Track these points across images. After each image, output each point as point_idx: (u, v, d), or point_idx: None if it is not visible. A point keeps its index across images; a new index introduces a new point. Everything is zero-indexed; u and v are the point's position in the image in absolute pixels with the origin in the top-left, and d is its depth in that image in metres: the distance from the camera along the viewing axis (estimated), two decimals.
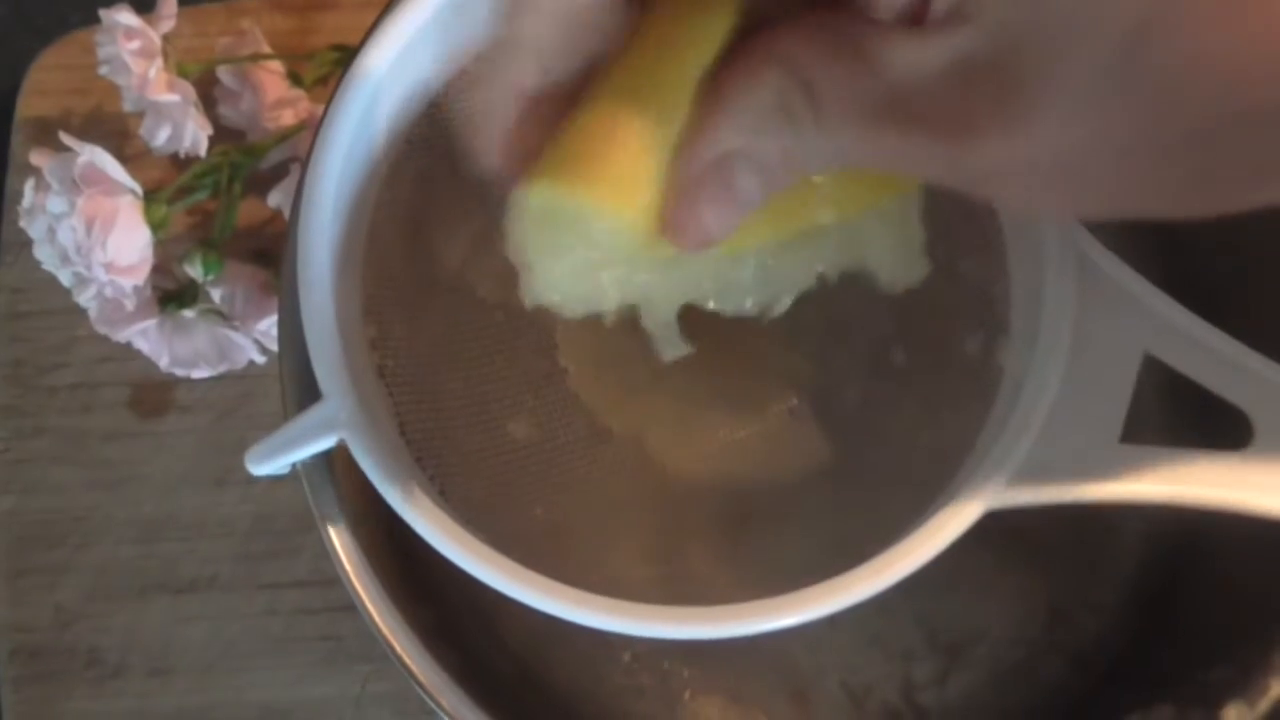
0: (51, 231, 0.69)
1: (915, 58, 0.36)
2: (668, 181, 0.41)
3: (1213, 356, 0.48)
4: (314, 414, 0.50)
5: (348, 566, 0.57)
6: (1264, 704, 0.58)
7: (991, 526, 0.48)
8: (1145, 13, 0.32)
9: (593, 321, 0.59)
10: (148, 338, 0.72)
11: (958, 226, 0.55)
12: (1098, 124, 0.34)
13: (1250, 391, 0.48)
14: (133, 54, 0.70)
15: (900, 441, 0.58)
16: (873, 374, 0.59)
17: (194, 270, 0.71)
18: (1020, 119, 0.34)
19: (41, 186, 0.68)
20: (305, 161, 0.53)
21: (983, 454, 0.49)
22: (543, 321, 0.59)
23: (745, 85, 0.39)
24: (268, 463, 0.50)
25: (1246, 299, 0.64)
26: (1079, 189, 0.36)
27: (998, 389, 0.51)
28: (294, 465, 0.52)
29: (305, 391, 0.54)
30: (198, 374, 0.74)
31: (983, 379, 0.52)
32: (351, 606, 0.58)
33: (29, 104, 0.80)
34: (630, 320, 0.59)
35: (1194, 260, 0.65)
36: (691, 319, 0.60)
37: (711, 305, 0.49)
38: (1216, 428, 0.49)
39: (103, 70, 0.72)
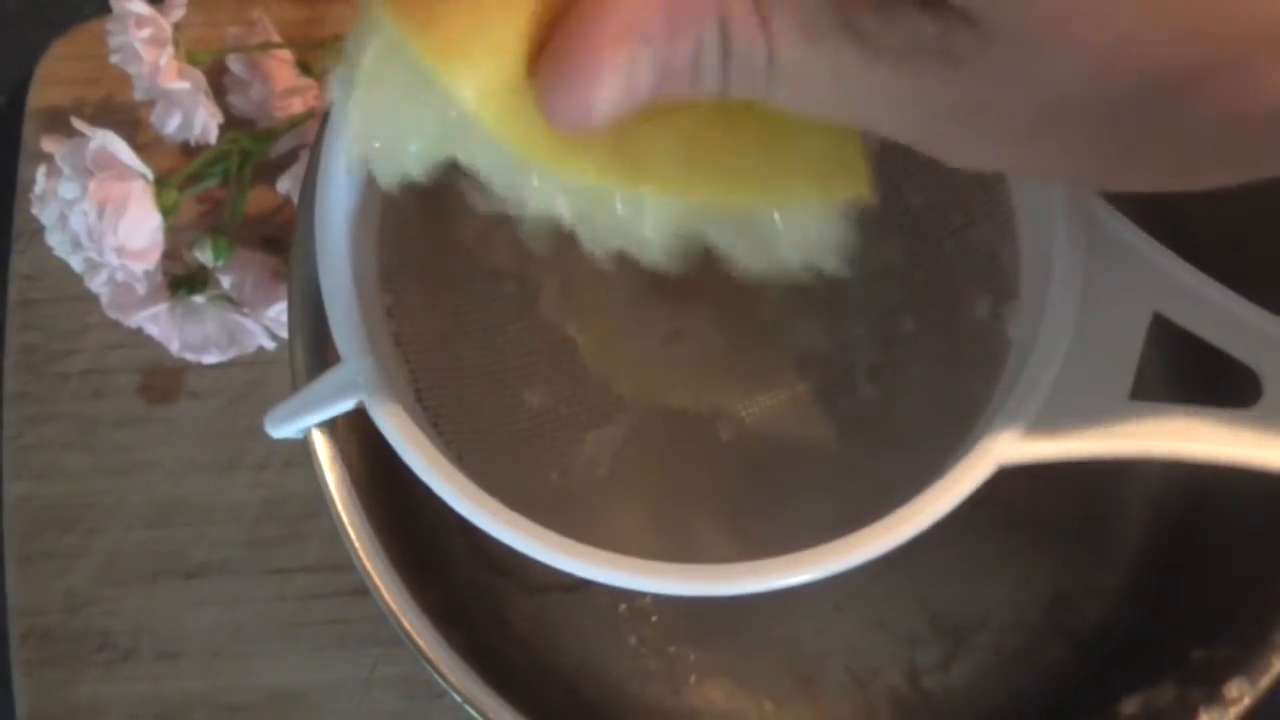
0: (63, 217, 0.69)
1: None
2: (556, 40, 0.36)
3: (1221, 314, 0.49)
4: (333, 377, 0.50)
5: (358, 547, 0.57)
6: (1266, 680, 0.58)
7: (995, 510, 0.48)
8: None
9: (604, 289, 0.59)
10: (158, 322, 0.72)
11: (965, 192, 0.55)
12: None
13: (1259, 348, 0.48)
14: (144, 42, 0.71)
15: (912, 406, 0.58)
16: (885, 341, 0.59)
17: (204, 256, 0.71)
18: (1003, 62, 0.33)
19: (54, 172, 0.69)
20: (321, 128, 0.53)
21: (994, 414, 0.50)
22: (555, 290, 0.59)
23: None
24: (287, 425, 0.51)
25: (1249, 256, 0.64)
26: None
27: (1008, 350, 0.51)
28: (310, 430, 0.52)
29: (316, 370, 0.55)
30: (208, 359, 0.74)
31: (993, 341, 0.53)
32: (360, 591, 0.58)
33: (41, 94, 0.81)
34: (640, 290, 0.60)
35: (1200, 219, 0.65)
36: (701, 287, 0.61)
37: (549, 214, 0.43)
38: (1225, 386, 0.49)
39: (114, 58, 0.72)
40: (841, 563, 0.47)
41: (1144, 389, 0.49)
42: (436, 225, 0.57)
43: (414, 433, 0.49)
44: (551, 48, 0.36)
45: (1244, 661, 0.59)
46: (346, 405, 0.50)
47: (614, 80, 0.35)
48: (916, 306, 0.58)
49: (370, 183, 0.53)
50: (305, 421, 0.51)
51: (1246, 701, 0.58)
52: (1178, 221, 0.59)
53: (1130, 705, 0.63)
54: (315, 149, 0.53)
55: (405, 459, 0.48)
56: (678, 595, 0.48)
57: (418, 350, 0.54)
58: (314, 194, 0.51)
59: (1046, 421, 0.48)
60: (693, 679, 0.69)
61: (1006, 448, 0.47)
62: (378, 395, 0.49)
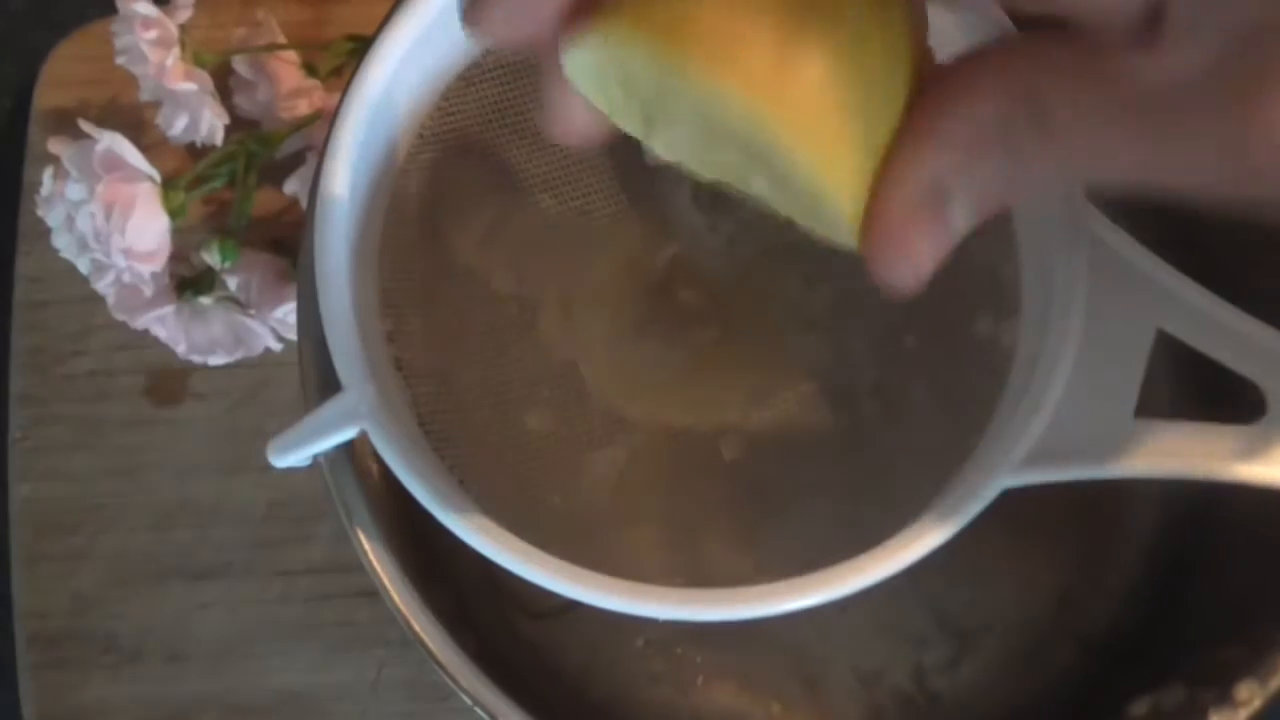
0: (70, 219, 0.69)
1: (1162, 65, 0.33)
2: (872, 209, 0.37)
3: (1225, 331, 0.49)
4: (335, 406, 0.50)
5: (367, 549, 0.57)
6: (1276, 681, 0.58)
7: (1002, 511, 0.48)
8: None
9: (605, 310, 0.59)
10: (165, 324, 0.72)
11: None
12: None
13: (1264, 364, 0.48)
14: (150, 43, 0.70)
15: (916, 424, 0.58)
16: (886, 358, 0.59)
17: (211, 258, 0.71)
18: None
19: (60, 174, 0.69)
20: (320, 156, 0.53)
21: (998, 433, 0.50)
22: (556, 313, 0.59)
23: (961, 103, 0.36)
24: (290, 454, 0.51)
25: (1256, 272, 0.64)
26: None
27: (1011, 368, 0.51)
28: (314, 457, 0.52)
29: (325, 379, 0.55)
30: (214, 361, 0.74)
31: (995, 359, 0.53)
32: (367, 592, 0.58)
33: (47, 95, 0.80)
34: (641, 310, 0.60)
35: (1202, 235, 0.65)
36: (704, 307, 0.61)
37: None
38: (1229, 403, 0.49)
39: (120, 60, 0.72)
40: (846, 588, 0.47)
41: (1148, 406, 0.48)
42: (435, 248, 0.57)
43: (417, 461, 0.49)
44: (868, 221, 0.38)
45: (1254, 663, 0.59)
46: (349, 434, 0.50)
47: (931, 245, 0.38)
48: (918, 323, 0.58)
49: (369, 207, 0.53)
50: (307, 451, 0.51)
51: (1257, 703, 0.58)
52: (1180, 237, 0.59)
53: (1139, 707, 0.63)
54: (322, 151, 0.53)
55: (409, 488, 0.48)
56: (689, 621, 0.48)
57: (419, 375, 0.54)
58: (315, 212, 0.51)
59: (1050, 442, 0.48)
60: (700, 680, 0.69)
61: (1010, 470, 0.47)
62: (380, 423, 0.49)
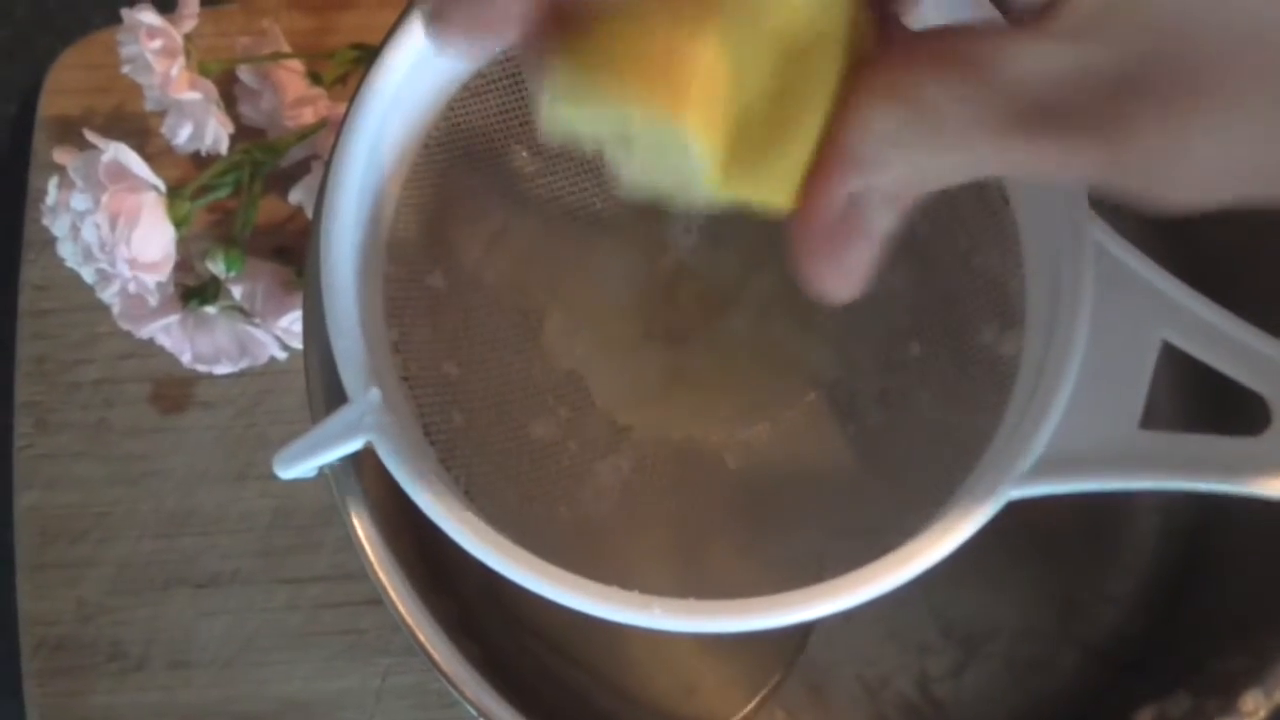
0: (75, 229, 0.69)
1: (1041, 65, 0.35)
2: (796, 237, 0.40)
3: (1230, 342, 0.49)
4: (341, 417, 0.50)
5: (372, 558, 0.57)
6: None
7: (1006, 519, 0.48)
8: None
9: (608, 319, 0.59)
10: (170, 334, 0.72)
11: (971, 219, 0.55)
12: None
13: (1269, 376, 0.48)
14: (155, 53, 0.70)
15: (920, 433, 0.58)
16: (891, 367, 0.59)
17: (216, 267, 0.71)
18: (1188, 122, 0.34)
19: (65, 184, 0.69)
20: (326, 166, 0.53)
21: (1003, 444, 0.50)
22: (561, 321, 0.59)
23: (858, 123, 0.38)
24: (296, 466, 0.51)
25: (1260, 283, 0.64)
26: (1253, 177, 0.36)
27: (1015, 379, 0.52)
28: (320, 468, 0.52)
29: (331, 388, 0.55)
30: (219, 370, 0.74)
31: (1000, 370, 0.53)
32: (372, 600, 0.58)
33: (51, 103, 0.81)
34: (646, 318, 0.60)
35: (1207, 245, 0.65)
36: (708, 314, 0.61)
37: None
38: (1234, 415, 0.49)
39: (125, 69, 0.72)
40: (851, 599, 0.47)
41: (1153, 418, 0.48)
42: (441, 258, 0.57)
43: (423, 473, 0.49)
44: (797, 245, 0.40)
45: (1259, 672, 0.59)
46: (355, 445, 0.50)
47: (857, 251, 0.40)
48: (923, 331, 0.58)
49: (375, 218, 0.53)
50: (313, 462, 0.51)
51: (1262, 714, 0.58)
52: (1186, 249, 0.59)
53: (1145, 715, 0.63)
54: (328, 159, 0.53)
55: (415, 500, 0.48)
56: (696, 632, 0.48)
57: (424, 386, 0.54)
58: (321, 221, 0.51)
59: (1055, 454, 0.48)
60: (703, 688, 0.69)
61: (1016, 481, 0.47)
62: (385, 435, 0.49)
